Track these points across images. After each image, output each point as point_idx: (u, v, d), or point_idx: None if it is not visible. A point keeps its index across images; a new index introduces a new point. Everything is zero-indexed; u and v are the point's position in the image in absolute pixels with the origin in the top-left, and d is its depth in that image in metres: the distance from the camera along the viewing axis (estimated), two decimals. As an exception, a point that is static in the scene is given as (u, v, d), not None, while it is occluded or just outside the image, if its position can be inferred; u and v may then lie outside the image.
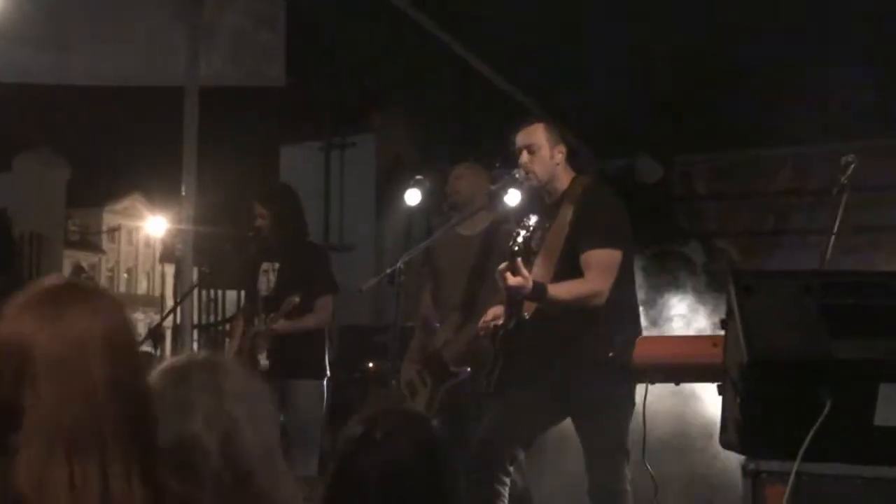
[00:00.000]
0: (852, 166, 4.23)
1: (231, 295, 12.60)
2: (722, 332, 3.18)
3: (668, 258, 6.48)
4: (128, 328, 2.04)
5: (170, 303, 26.38)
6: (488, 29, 7.14)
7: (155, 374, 2.35)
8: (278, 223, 6.24)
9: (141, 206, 48.02)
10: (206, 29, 7.10)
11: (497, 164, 6.61)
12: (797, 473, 2.80)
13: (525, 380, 4.65)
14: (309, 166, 11.31)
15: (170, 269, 34.18)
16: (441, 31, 7.17)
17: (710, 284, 6.10)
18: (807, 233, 7.37)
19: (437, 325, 5.84)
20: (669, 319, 5.84)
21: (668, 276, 6.30)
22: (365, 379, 8.89)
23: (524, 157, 4.74)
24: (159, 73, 7.48)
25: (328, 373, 6.26)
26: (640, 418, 4.44)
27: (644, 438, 4.41)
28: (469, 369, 5.49)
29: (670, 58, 6.79)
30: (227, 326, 12.32)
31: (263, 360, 5.99)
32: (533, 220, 4.36)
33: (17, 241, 12.36)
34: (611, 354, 4.48)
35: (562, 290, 4.51)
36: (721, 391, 3.19)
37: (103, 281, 44.02)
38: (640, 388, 4.48)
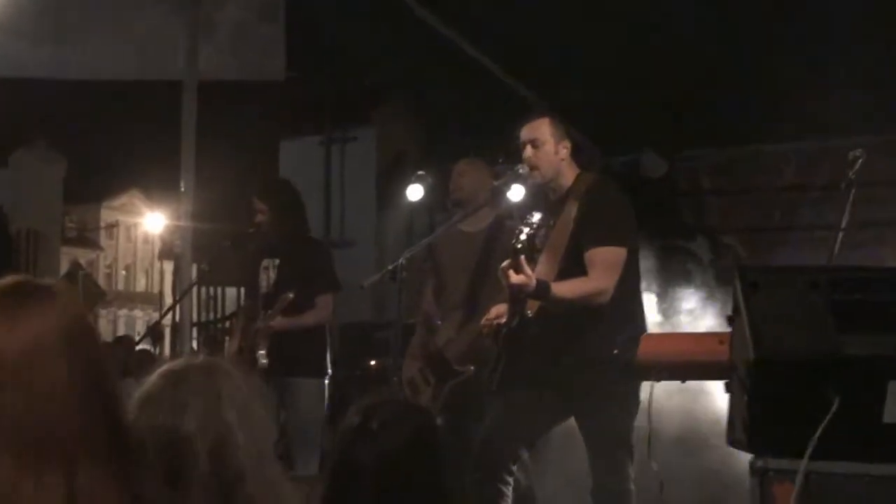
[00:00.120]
0: (860, 161, 4.20)
1: (231, 292, 12.59)
2: (729, 329, 3.15)
3: (674, 253, 6.45)
4: (88, 326, 1.95)
5: (168, 300, 26.48)
6: (491, 24, 7.10)
7: (153, 376, 2.33)
8: (278, 219, 6.18)
9: (139, 203, 48.08)
10: (206, 22, 7.06)
11: (500, 160, 6.57)
12: (805, 471, 2.78)
13: (528, 378, 4.62)
14: (309, 161, 11.30)
15: (168, 266, 34.33)
16: (444, 25, 7.12)
17: (718, 279, 6.07)
18: (813, 228, 7.34)
19: (439, 322, 5.80)
20: (678, 314, 5.82)
21: (675, 271, 6.27)
22: (366, 377, 8.88)
23: (528, 151, 4.70)
24: (157, 68, 7.45)
25: (329, 371, 6.21)
26: (647, 416, 4.41)
27: (650, 436, 4.38)
28: (472, 368, 5.45)
29: (674, 53, 6.75)
30: (227, 324, 12.32)
31: (263, 359, 5.94)
32: (537, 217, 4.34)
33: (13, 238, 12.30)
34: (615, 352, 4.46)
35: (566, 289, 4.47)
36: (728, 389, 3.18)
37: (101, 278, 44.08)
38: (645, 386, 4.46)
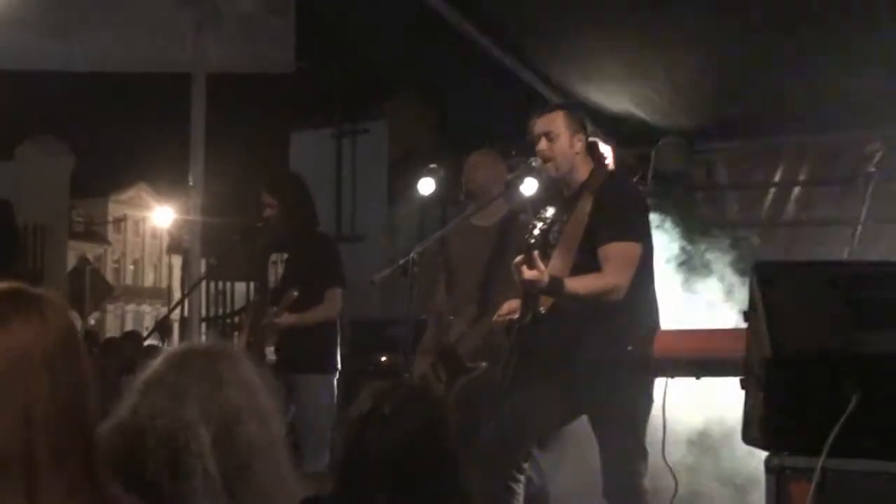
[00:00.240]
0: (879, 154, 4.14)
1: (240, 287, 12.59)
2: (745, 325, 3.10)
3: (691, 247, 6.40)
4: (76, 340, 1.91)
5: (177, 295, 26.49)
6: (506, 16, 7.03)
7: (156, 361, 2.33)
8: (286, 213, 6.15)
9: (147, 196, 48.30)
10: (214, 14, 6.99)
11: (513, 153, 6.52)
12: (822, 469, 2.74)
13: (541, 375, 4.57)
14: (320, 154, 11.29)
15: (177, 261, 34.38)
16: (457, 17, 7.06)
17: (737, 274, 6.02)
18: (831, 222, 7.27)
19: (451, 317, 5.75)
20: (697, 309, 5.77)
21: (693, 265, 6.22)
22: (377, 373, 8.85)
23: (542, 144, 4.65)
24: (166, 59, 7.42)
25: (339, 367, 6.17)
26: (661, 414, 4.36)
27: (664, 434, 4.34)
28: (484, 364, 5.40)
29: (692, 46, 6.69)
30: (236, 319, 12.31)
31: (271, 355, 5.91)
32: (550, 212, 4.29)
33: (20, 232, 12.30)
34: (629, 349, 4.40)
35: (579, 285, 4.42)
36: (744, 386, 3.13)
37: (109, 273, 44.23)
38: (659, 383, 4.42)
